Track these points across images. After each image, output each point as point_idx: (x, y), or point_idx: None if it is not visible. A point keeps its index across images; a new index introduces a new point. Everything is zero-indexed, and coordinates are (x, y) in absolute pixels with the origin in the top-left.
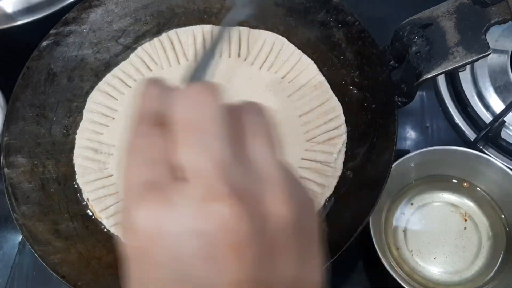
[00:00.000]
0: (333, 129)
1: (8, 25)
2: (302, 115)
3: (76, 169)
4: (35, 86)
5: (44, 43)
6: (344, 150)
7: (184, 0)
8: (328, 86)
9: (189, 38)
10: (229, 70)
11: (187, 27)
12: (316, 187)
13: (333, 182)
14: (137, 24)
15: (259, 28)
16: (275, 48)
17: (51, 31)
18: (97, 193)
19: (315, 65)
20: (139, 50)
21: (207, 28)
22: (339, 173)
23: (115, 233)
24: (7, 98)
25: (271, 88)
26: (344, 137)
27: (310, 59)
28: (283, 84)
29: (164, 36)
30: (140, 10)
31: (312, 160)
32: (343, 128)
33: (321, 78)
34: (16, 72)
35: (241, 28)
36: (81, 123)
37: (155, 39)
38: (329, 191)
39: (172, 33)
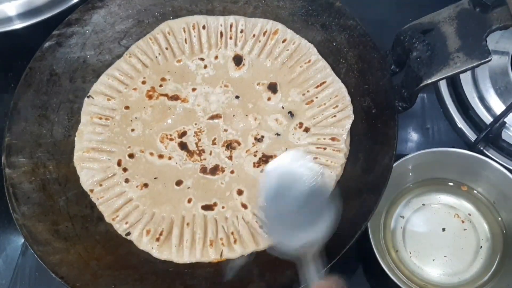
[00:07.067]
0: (340, 111)
1: (10, 28)
2: (305, 101)
3: (78, 172)
4: (37, 86)
5: (47, 44)
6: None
7: (187, 2)
8: (330, 68)
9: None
10: (227, 61)
11: (180, 19)
12: (326, 168)
13: (342, 161)
14: (139, 26)
15: None
16: (273, 34)
17: (53, 32)
18: (104, 196)
19: (315, 49)
20: (133, 47)
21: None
22: (346, 152)
23: (128, 238)
24: (9, 99)
25: (272, 76)
26: (352, 117)
27: (310, 43)
28: (283, 70)
29: (156, 30)
30: (143, 12)
31: (320, 144)
32: (350, 109)
33: (323, 61)
34: (19, 73)
35: (237, 17)
36: (80, 126)
37: (148, 35)
38: (340, 170)
39: (164, 26)
